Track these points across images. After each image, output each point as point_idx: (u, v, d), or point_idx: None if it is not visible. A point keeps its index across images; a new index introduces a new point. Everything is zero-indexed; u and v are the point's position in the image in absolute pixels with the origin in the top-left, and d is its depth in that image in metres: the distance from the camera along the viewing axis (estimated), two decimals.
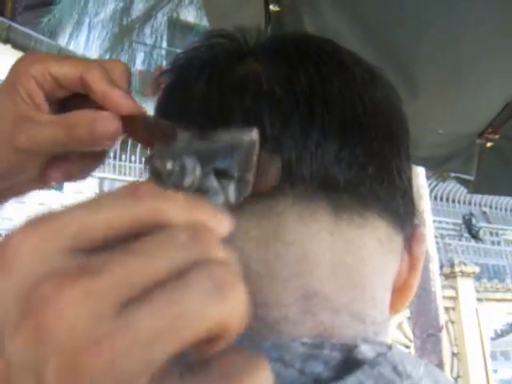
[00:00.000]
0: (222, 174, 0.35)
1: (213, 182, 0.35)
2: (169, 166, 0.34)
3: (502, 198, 10.56)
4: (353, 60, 0.48)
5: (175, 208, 0.27)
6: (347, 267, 0.42)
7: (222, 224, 0.28)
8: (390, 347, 0.40)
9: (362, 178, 0.42)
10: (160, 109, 0.50)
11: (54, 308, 0.22)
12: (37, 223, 0.25)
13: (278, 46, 0.48)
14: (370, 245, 0.43)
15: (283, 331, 0.40)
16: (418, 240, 0.49)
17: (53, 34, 8.16)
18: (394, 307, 0.47)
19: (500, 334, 8.16)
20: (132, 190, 0.27)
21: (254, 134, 0.37)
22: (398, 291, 0.47)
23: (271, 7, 1.31)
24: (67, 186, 8.32)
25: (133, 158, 8.75)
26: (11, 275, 0.24)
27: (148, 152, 0.37)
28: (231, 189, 0.36)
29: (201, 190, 0.34)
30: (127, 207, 0.26)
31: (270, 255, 0.41)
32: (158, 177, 0.35)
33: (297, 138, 0.41)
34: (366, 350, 0.39)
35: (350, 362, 0.38)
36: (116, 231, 0.25)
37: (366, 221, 0.43)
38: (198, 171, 0.34)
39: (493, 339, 7.86)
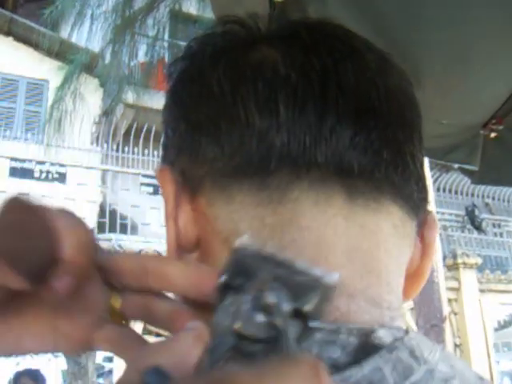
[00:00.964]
0: (295, 313, 0.33)
1: (290, 323, 0.33)
2: (270, 298, 0.32)
3: (505, 189, 10.53)
4: (366, 47, 0.48)
5: None
6: (363, 252, 0.42)
7: None
8: (406, 332, 0.40)
9: (377, 164, 0.43)
10: (174, 96, 0.50)
11: None
12: None
13: (291, 33, 0.48)
14: (385, 230, 0.43)
15: None
16: (430, 226, 0.49)
17: (55, 25, 8.14)
18: (407, 293, 0.47)
19: (503, 325, 8.17)
20: (316, 375, 0.26)
21: (335, 279, 0.35)
22: (411, 277, 0.47)
23: None
24: (70, 177, 8.33)
25: (135, 150, 8.75)
26: None
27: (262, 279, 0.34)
28: (294, 332, 0.33)
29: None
30: None
31: (285, 241, 0.41)
32: (263, 307, 0.33)
33: (311, 124, 0.42)
34: (383, 335, 0.39)
35: (367, 347, 0.38)
36: None
37: (381, 206, 0.43)
38: (288, 308, 0.33)
39: (495, 330, 7.87)
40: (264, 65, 0.44)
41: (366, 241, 0.42)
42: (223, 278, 0.35)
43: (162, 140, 0.51)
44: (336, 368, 0.36)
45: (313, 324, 0.34)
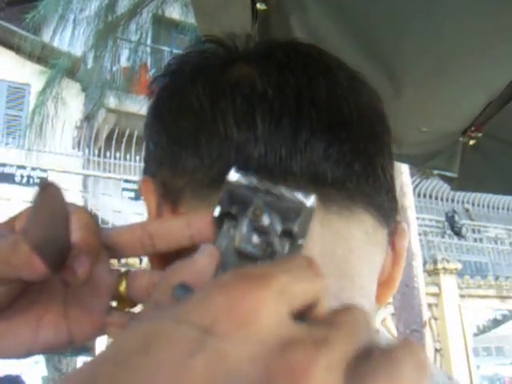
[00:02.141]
0: (284, 233, 0.38)
1: (278, 241, 0.38)
2: (266, 221, 0.37)
3: (485, 195, 10.65)
4: (338, 65, 0.51)
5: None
6: (337, 257, 0.44)
7: None
8: (376, 331, 0.42)
9: (349, 174, 0.45)
10: (155, 112, 0.51)
11: (306, 378, 0.23)
12: (259, 281, 0.25)
13: (267, 52, 0.50)
14: (358, 237, 0.45)
15: None
16: (401, 235, 0.51)
17: (37, 30, 8.10)
18: (379, 299, 0.49)
19: (482, 330, 8.24)
20: (311, 264, 0.28)
21: (313, 201, 0.39)
22: (383, 284, 0.49)
23: (258, 6, 1.32)
24: None
25: (117, 155, 8.72)
26: (249, 334, 0.24)
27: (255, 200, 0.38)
28: (286, 248, 0.38)
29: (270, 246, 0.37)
30: (316, 282, 0.28)
31: None
32: (255, 224, 0.37)
33: (287, 137, 0.44)
34: None
35: None
36: (308, 302, 0.27)
37: (353, 214, 0.45)
38: (280, 229, 0.37)
39: (475, 335, 7.93)
40: (242, 82, 0.46)
41: (340, 246, 0.44)
42: (219, 208, 0.39)
43: (143, 153, 0.52)
44: None
45: (300, 241, 0.38)
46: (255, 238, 0.36)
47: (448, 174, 1.93)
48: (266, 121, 0.44)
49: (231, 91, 0.46)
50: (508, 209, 11.51)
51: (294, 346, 0.23)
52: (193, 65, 0.50)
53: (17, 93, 9.88)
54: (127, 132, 8.36)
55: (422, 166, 2.00)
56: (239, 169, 0.40)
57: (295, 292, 0.26)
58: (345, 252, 0.45)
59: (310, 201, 0.38)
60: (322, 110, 0.46)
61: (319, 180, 0.44)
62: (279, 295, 0.25)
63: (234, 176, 0.39)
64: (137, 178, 8.46)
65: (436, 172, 2.04)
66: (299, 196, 0.38)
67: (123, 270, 0.44)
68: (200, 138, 0.45)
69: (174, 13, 7.93)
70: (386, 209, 0.48)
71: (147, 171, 0.51)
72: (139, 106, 8.45)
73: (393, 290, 0.51)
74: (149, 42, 8.63)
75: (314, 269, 0.28)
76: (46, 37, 9.14)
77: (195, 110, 0.46)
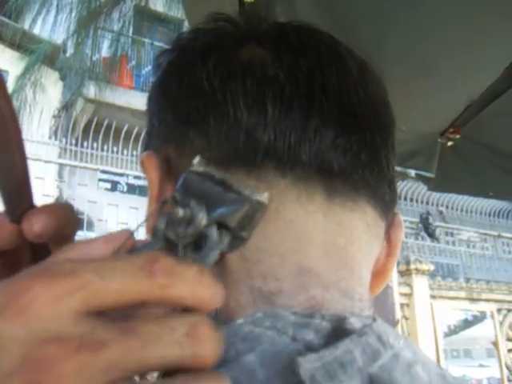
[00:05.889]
0: (223, 225, 0.38)
1: (213, 232, 0.37)
2: (180, 213, 0.37)
3: (459, 198, 10.75)
4: (349, 53, 0.50)
5: (182, 286, 0.28)
6: (338, 247, 0.45)
7: (216, 300, 0.30)
8: (374, 319, 0.43)
9: (355, 165, 0.45)
10: (161, 87, 0.51)
11: (50, 373, 0.24)
12: (55, 276, 0.26)
13: (279, 34, 0.49)
14: (360, 228, 0.46)
15: (277, 302, 0.42)
16: (397, 227, 0.52)
17: (20, 15, 7.98)
18: (372, 289, 0.49)
19: (453, 331, 8.33)
20: (148, 263, 0.28)
21: (265, 198, 0.38)
22: (376, 275, 0.50)
23: None
24: None
25: (94, 145, 8.65)
26: (24, 321, 0.25)
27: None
28: (226, 240, 0.38)
29: (201, 237, 0.37)
30: (140, 282, 0.28)
31: (269, 230, 0.43)
32: (168, 217, 0.37)
33: (297, 123, 0.44)
34: (353, 321, 0.41)
35: (339, 332, 0.40)
36: (124, 302, 0.27)
37: (357, 205, 0.46)
38: (204, 221, 0.37)
39: (446, 336, 8.02)
40: (253, 63, 0.46)
41: (342, 237, 0.45)
42: (172, 194, 0.39)
43: (146, 127, 0.52)
44: (310, 349, 0.38)
45: (243, 235, 0.39)
46: (179, 227, 0.37)
47: (426, 173, 1.95)
48: (276, 106, 0.44)
49: (242, 73, 0.45)
50: (481, 213, 11.64)
51: (53, 341, 0.25)
52: (204, 42, 0.49)
53: None
54: (105, 122, 8.29)
55: (401, 164, 2.03)
56: (248, 154, 0.41)
57: (99, 291, 0.26)
58: (346, 242, 0.45)
59: (262, 196, 0.38)
60: (333, 98, 0.45)
61: (326, 170, 0.44)
62: (69, 292, 0.26)
63: (197, 163, 0.40)
64: (114, 169, 8.40)
65: (414, 172, 2.06)
66: (247, 191, 0.38)
67: None
68: (209, 119, 0.45)
69: (158, 4, 7.87)
70: (387, 201, 0.49)
71: (150, 146, 0.51)
72: (118, 97, 8.40)
73: (385, 281, 0.51)
74: (131, 32, 8.56)
75: (149, 268, 0.28)
76: (28, 23, 9.02)
77: (205, 90, 0.46)
